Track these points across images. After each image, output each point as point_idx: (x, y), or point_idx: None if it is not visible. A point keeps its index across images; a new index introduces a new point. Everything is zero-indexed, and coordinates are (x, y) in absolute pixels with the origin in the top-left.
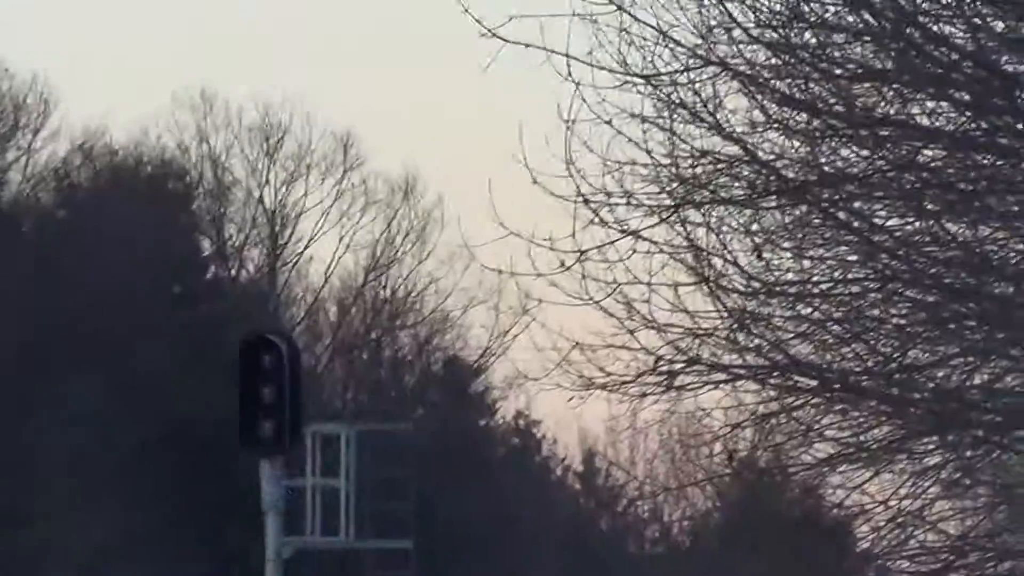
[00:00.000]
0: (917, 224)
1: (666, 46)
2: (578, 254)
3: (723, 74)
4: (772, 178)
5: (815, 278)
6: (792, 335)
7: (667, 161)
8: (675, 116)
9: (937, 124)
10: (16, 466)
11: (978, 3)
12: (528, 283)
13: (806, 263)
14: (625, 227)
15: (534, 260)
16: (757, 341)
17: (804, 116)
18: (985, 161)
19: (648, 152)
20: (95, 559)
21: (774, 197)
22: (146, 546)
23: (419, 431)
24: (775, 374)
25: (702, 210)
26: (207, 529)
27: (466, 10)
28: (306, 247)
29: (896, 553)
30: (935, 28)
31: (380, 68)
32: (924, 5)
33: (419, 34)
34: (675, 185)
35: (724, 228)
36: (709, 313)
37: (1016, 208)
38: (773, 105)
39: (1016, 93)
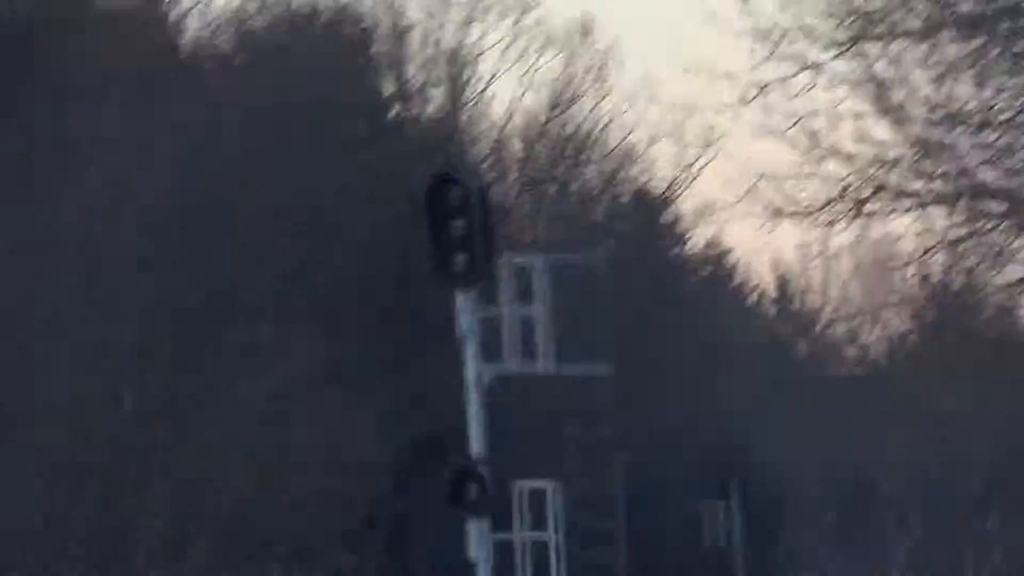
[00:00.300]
0: None
1: None
2: (759, 88)
3: None
4: (948, 13)
5: (997, 106)
6: (978, 162)
7: None
8: None
9: None
10: (222, 296)
11: None
12: (711, 117)
13: (987, 92)
14: (804, 62)
15: (715, 95)
16: (943, 168)
17: None
18: None
19: None
20: (297, 388)
21: (951, 30)
22: (343, 380)
23: (610, 263)
24: (963, 200)
25: (880, 43)
26: (402, 364)
27: None
28: (486, 87)
29: None
30: None
31: None
32: None
33: None
34: (852, 19)
35: (903, 60)
36: (893, 142)
37: None
38: None
39: None
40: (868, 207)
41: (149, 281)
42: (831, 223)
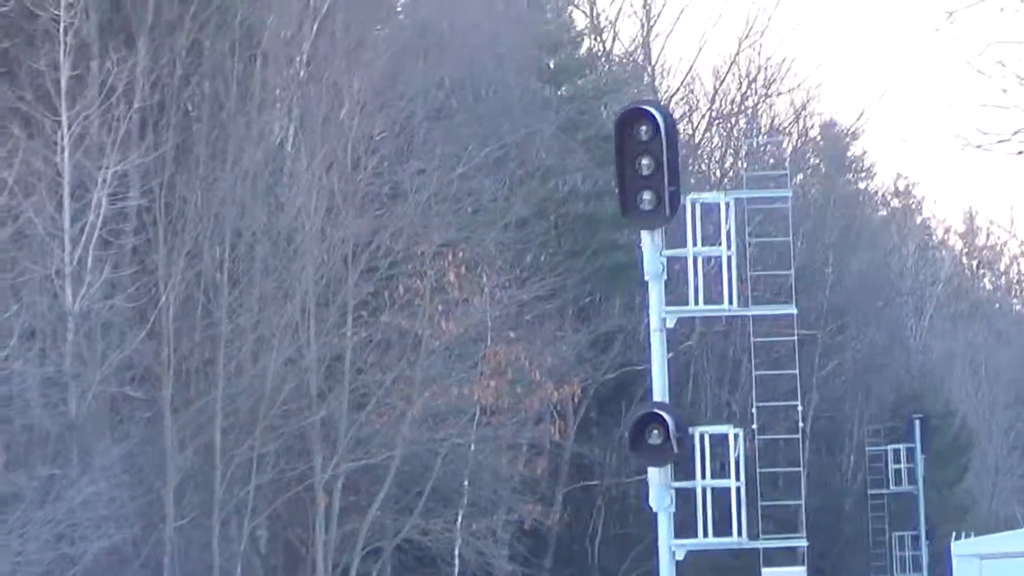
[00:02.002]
0: None
1: None
2: (947, 15)
3: None
4: None
5: None
6: None
7: None
8: None
9: None
10: (396, 237)
11: None
12: (900, 48)
13: None
14: None
15: (904, 25)
16: None
17: None
18: None
19: None
20: (477, 332)
21: None
22: (526, 321)
23: (798, 197)
24: None
25: None
26: (586, 304)
27: None
28: (677, 20)
29: None
30: None
31: None
32: None
33: None
34: None
35: None
36: None
37: None
38: None
39: None
40: None
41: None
42: (1019, 153)
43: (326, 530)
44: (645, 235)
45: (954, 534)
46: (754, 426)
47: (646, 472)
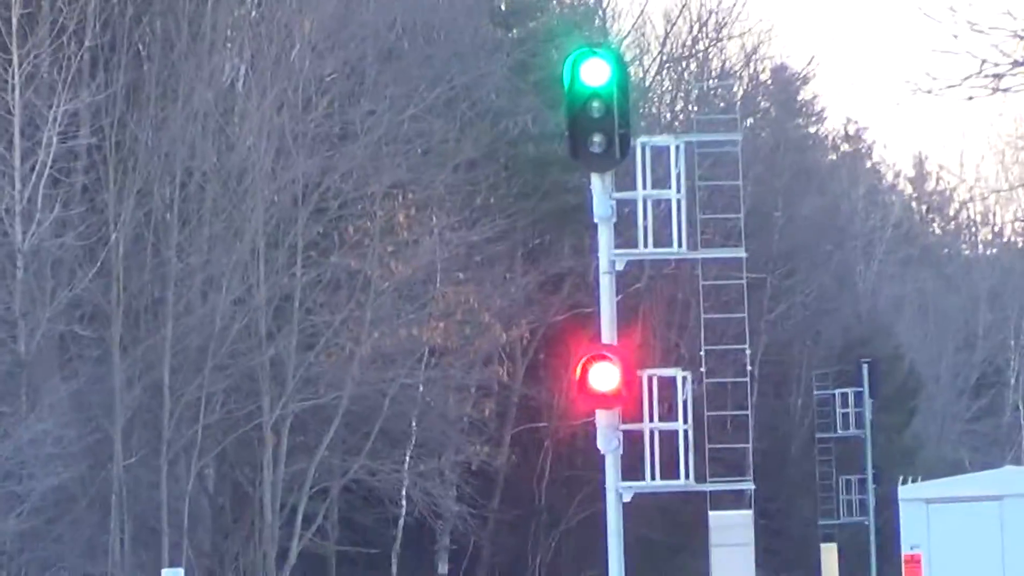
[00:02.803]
0: None
1: None
2: None
3: None
4: None
5: None
6: None
7: None
8: None
9: None
10: (346, 178)
11: None
12: None
13: None
14: None
15: None
16: None
17: None
18: None
19: None
20: (427, 273)
21: None
22: (475, 263)
23: (748, 140)
24: None
25: None
26: (535, 246)
27: None
28: None
29: None
30: None
31: None
32: None
33: None
34: None
35: None
36: None
37: None
38: None
39: None
40: (1006, 82)
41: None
42: (969, 99)
43: (274, 470)
44: (595, 178)
45: (901, 478)
46: (702, 369)
47: (594, 415)
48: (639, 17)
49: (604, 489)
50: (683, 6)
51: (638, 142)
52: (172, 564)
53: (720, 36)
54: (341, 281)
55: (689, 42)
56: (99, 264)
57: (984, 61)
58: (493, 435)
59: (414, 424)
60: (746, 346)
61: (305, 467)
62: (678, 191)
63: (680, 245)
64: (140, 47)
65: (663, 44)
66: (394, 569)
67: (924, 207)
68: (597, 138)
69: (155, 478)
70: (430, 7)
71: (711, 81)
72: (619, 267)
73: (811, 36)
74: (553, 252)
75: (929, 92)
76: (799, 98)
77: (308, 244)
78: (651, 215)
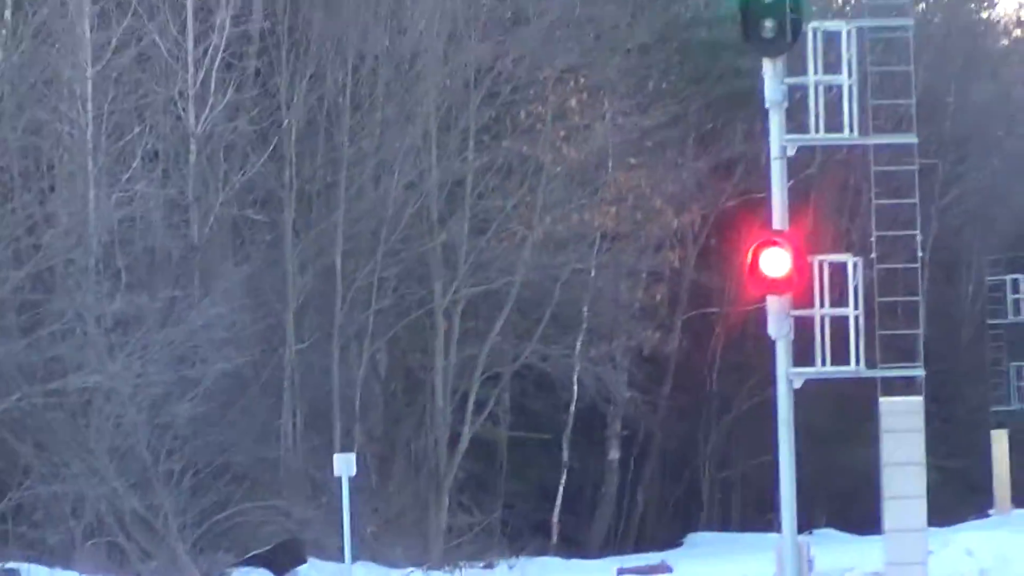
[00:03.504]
0: None
1: None
2: None
3: None
4: None
5: None
6: None
7: None
8: None
9: None
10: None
11: None
12: None
13: None
14: None
15: None
16: None
17: None
18: None
19: None
20: (599, 158)
21: None
22: (647, 148)
23: (920, 26)
24: None
25: None
26: (707, 131)
27: None
28: None
29: None
30: None
31: None
32: None
33: None
34: None
35: None
36: None
37: None
38: None
39: None
40: None
41: None
42: None
43: (445, 355)
44: (767, 62)
45: None
46: (873, 255)
47: (764, 300)
48: None
49: (775, 375)
50: None
51: (809, 27)
52: (344, 449)
53: None
54: (513, 166)
55: None
56: (271, 148)
57: None
58: (664, 321)
59: (585, 309)
60: (917, 232)
61: (476, 352)
62: (849, 76)
63: (851, 130)
64: None
65: None
66: (565, 455)
67: None
68: (769, 23)
69: (327, 363)
70: None
71: None
72: (790, 152)
73: None
74: (725, 137)
75: None
76: None
77: (480, 129)
78: (822, 100)
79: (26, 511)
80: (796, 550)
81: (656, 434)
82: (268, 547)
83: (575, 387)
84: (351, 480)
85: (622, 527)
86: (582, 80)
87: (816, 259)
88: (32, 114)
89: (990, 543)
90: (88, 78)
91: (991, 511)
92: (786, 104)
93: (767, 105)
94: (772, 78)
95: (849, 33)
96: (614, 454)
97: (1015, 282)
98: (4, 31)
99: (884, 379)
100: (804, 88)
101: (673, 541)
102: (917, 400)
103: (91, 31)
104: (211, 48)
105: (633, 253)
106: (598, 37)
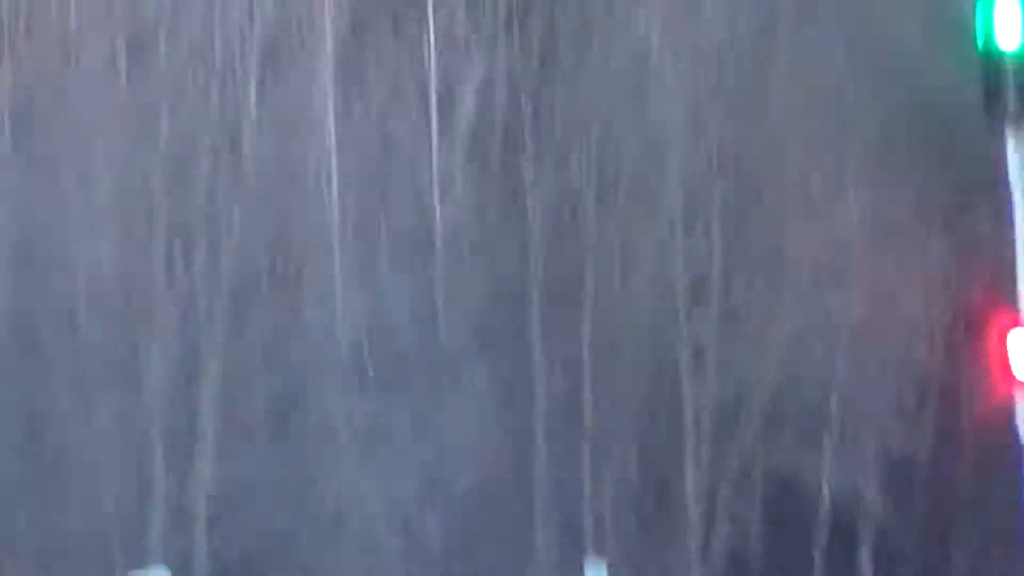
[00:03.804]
0: None
1: None
2: None
3: None
4: None
5: None
6: None
7: None
8: None
9: None
10: (751, 142)
11: None
12: None
13: None
14: None
15: None
16: None
17: None
18: None
19: None
20: (843, 251)
21: None
22: (890, 235)
23: None
24: None
25: None
26: (951, 213)
27: None
28: None
29: None
30: None
31: None
32: None
33: None
34: None
35: None
36: None
37: None
38: None
39: None
40: None
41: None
42: None
43: (696, 463)
44: (1009, 136)
45: None
46: None
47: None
48: None
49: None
50: None
51: None
52: (596, 554)
53: None
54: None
55: None
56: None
57: None
58: (914, 419)
59: (833, 409)
60: None
61: (726, 457)
62: None
63: None
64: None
65: None
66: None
67: None
68: (1012, 93)
69: (577, 468)
70: None
71: None
72: None
73: None
74: (969, 218)
75: None
76: None
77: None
78: None
79: None
80: None
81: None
82: None
83: (824, 492)
84: None
85: None
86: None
87: None
88: (279, 207)
89: None
90: (333, 169)
91: None
92: None
93: (1011, 187)
94: (1016, 153)
95: None
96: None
97: None
98: (248, 120)
99: None
100: None
101: None
102: None
103: (335, 119)
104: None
105: (881, 345)
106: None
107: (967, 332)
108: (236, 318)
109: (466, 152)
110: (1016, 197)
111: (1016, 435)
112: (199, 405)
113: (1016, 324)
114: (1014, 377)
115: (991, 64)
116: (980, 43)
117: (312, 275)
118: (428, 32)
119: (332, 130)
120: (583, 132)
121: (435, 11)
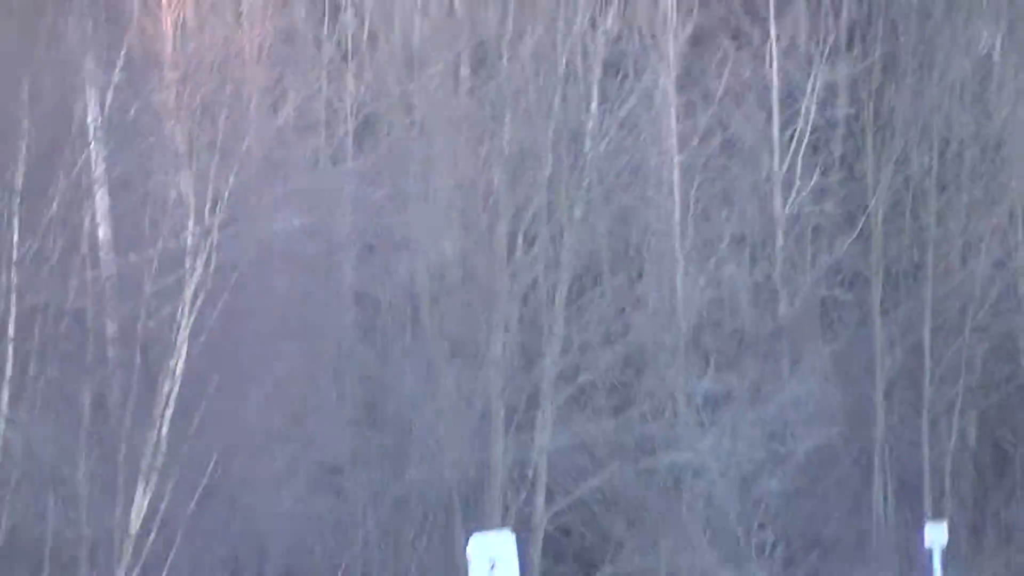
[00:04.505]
0: None
1: None
2: None
3: None
4: None
5: None
6: None
7: None
8: None
9: None
10: None
11: None
12: None
13: None
14: None
15: None
16: None
17: None
18: None
19: None
20: None
21: None
22: None
23: None
24: None
25: None
26: None
27: None
28: None
29: None
30: None
31: None
32: None
33: None
34: None
35: None
36: None
37: None
38: None
39: None
40: None
41: None
42: None
43: None
44: None
45: None
46: None
47: None
48: None
49: None
50: None
51: None
52: (935, 517)
53: None
54: None
55: None
56: (858, 230)
57: None
58: None
59: None
60: None
61: None
62: None
63: None
64: (895, 18)
65: None
66: None
67: None
68: None
69: (916, 436)
70: None
71: None
72: None
73: None
74: None
75: None
76: None
77: None
78: None
79: None
80: None
81: None
82: None
83: None
84: (942, 551)
85: None
86: None
87: None
88: (620, 201)
89: None
90: (675, 165)
91: None
92: None
93: None
94: None
95: None
96: None
97: None
98: (591, 123)
99: None
100: None
101: None
102: None
103: (677, 121)
104: (796, 133)
105: None
106: None
107: None
108: (576, 299)
109: (807, 148)
110: None
111: None
112: (540, 381)
113: None
114: None
115: None
116: None
117: (653, 259)
118: (770, 40)
119: (673, 128)
120: (924, 133)
121: (776, 20)
